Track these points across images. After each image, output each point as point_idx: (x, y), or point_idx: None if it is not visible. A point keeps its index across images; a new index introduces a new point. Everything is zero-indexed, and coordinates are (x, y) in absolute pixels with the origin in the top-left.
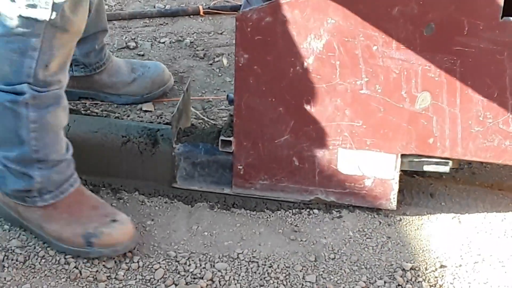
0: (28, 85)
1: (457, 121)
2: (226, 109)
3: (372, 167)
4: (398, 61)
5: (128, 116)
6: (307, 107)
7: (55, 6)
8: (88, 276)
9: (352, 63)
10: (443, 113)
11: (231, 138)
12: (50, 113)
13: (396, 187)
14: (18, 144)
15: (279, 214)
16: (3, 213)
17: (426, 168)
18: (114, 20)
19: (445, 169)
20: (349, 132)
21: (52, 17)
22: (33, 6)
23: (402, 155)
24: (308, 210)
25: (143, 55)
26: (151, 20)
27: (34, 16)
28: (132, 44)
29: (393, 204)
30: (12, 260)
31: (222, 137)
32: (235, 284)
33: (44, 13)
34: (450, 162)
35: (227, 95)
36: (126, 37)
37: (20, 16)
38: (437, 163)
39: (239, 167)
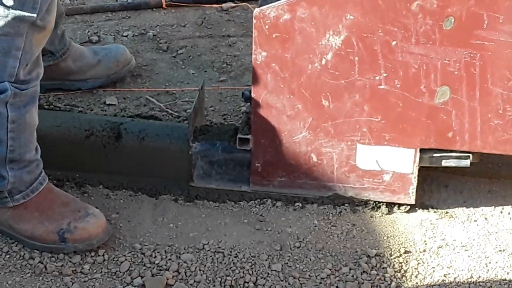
0: (9, 83)
1: (477, 115)
2: (190, 101)
3: (391, 162)
4: (417, 56)
5: (92, 110)
6: (326, 104)
7: (41, 7)
8: (54, 271)
9: (371, 59)
10: (463, 107)
11: (248, 136)
12: (28, 113)
13: (415, 181)
14: None
15: (243, 204)
16: None
17: (446, 163)
18: (76, 15)
19: (466, 163)
20: (367, 128)
21: (38, 17)
22: (21, 7)
23: (422, 151)
24: (271, 200)
25: None
26: (113, 13)
27: (22, 16)
28: (95, 38)
29: (412, 199)
30: None
31: (239, 135)
32: (201, 275)
33: (31, 13)
34: (471, 156)
35: (242, 93)
36: (88, 31)
37: (6, 17)
38: (457, 158)
39: (257, 164)
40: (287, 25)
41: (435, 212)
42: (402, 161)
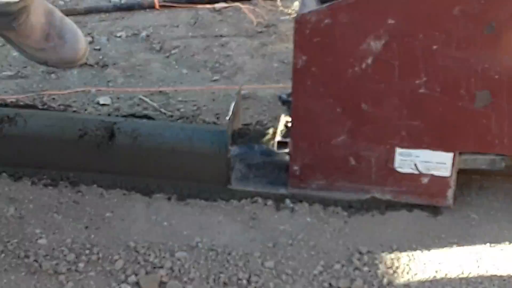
0: None
1: None
2: (183, 100)
3: (429, 165)
4: (458, 60)
5: (85, 110)
6: (365, 107)
7: None
8: (48, 269)
9: (411, 63)
10: (503, 111)
11: (287, 139)
12: None
13: (453, 185)
14: None
15: (235, 203)
16: None
17: (481, 166)
18: (69, 16)
19: (500, 166)
20: (406, 131)
21: None
22: None
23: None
24: (262, 198)
25: (99, 50)
26: (107, 14)
27: None
28: (89, 39)
29: (450, 202)
30: None
31: (278, 139)
32: (195, 273)
33: None
34: (505, 159)
35: (279, 96)
36: (82, 32)
37: None
38: (492, 160)
39: (295, 167)
40: (328, 30)
41: (426, 208)
42: (441, 164)
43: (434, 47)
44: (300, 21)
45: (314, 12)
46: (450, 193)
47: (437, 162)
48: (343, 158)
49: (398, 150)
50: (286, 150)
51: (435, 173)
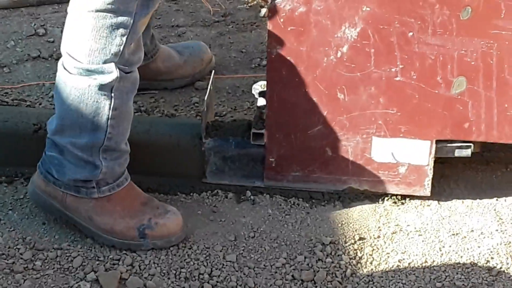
0: (115, 65)
1: (493, 105)
2: (140, 93)
3: (406, 154)
4: (434, 46)
5: (40, 104)
6: (341, 97)
7: None
8: (4, 268)
9: (387, 51)
10: (479, 97)
11: (263, 131)
12: (130, 101)
13: (430, 173)
14: (91, 131)
15: (195, 196)
16: (42, 203)
17: (448, 154)
18: (21, 7)
19: (467, 153)
20: (383, 120)
21: None
22: None
23: None
24: (222, 191)
25: (53, 42)
26: (60, 5)
27: None
28: (42, 31)
29: (427, 191)
30: None
31: (253, 130)
32: (155, 268)
33: None
34: (472, 146)
35: (254, 87)
36: (35, 24)
37: None
38: (459, 148)
39: (271, 159)
40: (303, 18)
41: (388, 198)
42: (418, 153)
43: (410, 34)
44: (274, 9)
45: (288, 0)
46: (427, 182)
47: (414, 151)
48: (320, 148)
49: (375, 139)
50: (262, 142)
51: (412, 162)
